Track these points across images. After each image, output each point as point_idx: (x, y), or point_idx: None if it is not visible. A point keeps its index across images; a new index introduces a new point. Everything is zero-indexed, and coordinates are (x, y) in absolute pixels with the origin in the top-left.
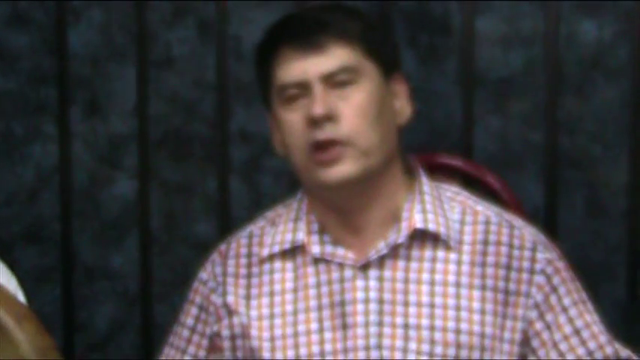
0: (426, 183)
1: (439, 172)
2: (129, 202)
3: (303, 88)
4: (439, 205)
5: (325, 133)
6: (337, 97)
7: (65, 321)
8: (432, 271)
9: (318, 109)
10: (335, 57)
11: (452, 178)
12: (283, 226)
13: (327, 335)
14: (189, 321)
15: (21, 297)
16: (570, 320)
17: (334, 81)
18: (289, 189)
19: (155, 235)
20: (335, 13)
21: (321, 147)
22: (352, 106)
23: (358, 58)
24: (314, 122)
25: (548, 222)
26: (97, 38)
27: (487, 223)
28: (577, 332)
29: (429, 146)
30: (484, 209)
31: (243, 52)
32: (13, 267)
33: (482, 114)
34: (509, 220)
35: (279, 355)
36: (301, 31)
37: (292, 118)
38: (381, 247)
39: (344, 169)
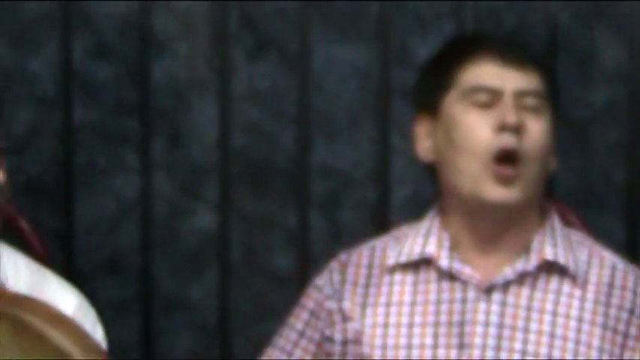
0: (557, 222)
1: None
2: (209, 234)
3: (495, 95)
4: (569, 243)
5: (512, 141)
6: (524, 117)
7: (144, 352)
8: (556, 302)
9: (513, 117)
10: (532, 79)
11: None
12: (412, 240)
13: (441, 352)
14: (299, 325)
15: (99, 331)
16: None
17: (523, 102)
18: (369, 224)
19: (234, 267)
20: (527, 42)
21: (502, 160)
22: (537, 129)
23: (545, 89)
24: (504, 129)
25: (629, 261)
26: (181, 71)
27: (614, 268)
28: None
29: None
30: (611, 255)
31: (325, 86)
32: (93, 297)
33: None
34: (635, 270)
35: None
36: (505, 45)
37: (476, 121)
38: (508, 272)
39: (514, 193)
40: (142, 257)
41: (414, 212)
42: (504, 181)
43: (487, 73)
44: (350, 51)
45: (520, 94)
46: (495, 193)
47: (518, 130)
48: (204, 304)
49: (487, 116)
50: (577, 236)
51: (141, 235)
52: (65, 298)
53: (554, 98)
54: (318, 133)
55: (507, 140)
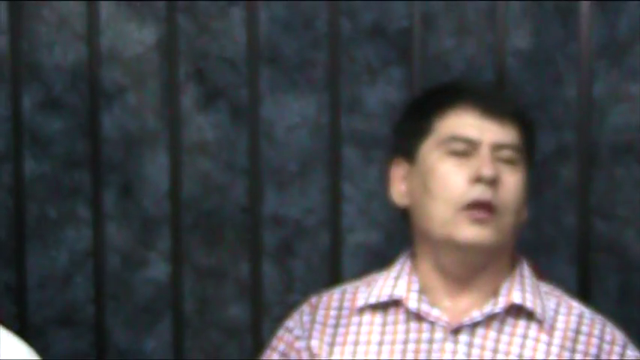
0: (527, 269)
1: None
2: (162, 286)
3: (472, 146)
4: (537, 290)
5: (487, 194)
6: (499, 169)
7: None
8: (522, 346)
9: (490, 170)
10: (509, 133)
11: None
12: (383, 282)
13: None
14: None
15: None
16: None
17: (499, 155)
18: (321, 272)
19: (188, 318)
20: (506, 93)
21: (476, 206)
22: (512, 182)
23: (522, 143)
24: (479, 181)
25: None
26: (131, 122)
27: (581, 316)
28: None
29: None
30: (579, 305)
31: (275, 136)
32: (47, 351)
33: None
34: (603, 319)
35: None
36: (484, 96)
37: (451, 170)
38: (476, 315)
39: (488, 233)
40: (95, 310)
41: (366, 259)
42: (478, 222)
43: (466, 123)
44: (299, 100)
45: (497, 147)
46: (469, 232)
47: (493, 182)
48: (158, 356)
49: (463, 166)
50: (546, 287)
51: (93, 287)
52: (15, 354)
53: (530, 151)
54: (269, 183)
55: (482, 192)
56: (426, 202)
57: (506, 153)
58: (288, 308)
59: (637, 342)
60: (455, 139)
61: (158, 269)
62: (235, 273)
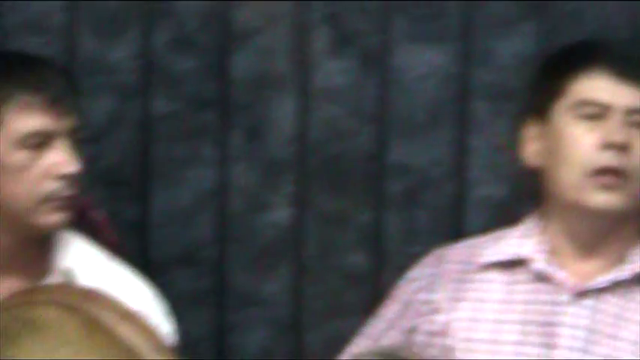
0: None
1: None
2: (284, 230)
3: (604, 110)
4: None
5: (616, 160)
6: (630, 134)
7: (216, 346)
8: None
9: (619, 137)
10: None
11: None
12: (509, 240)
13: (527, 350)
14: (389, 314)
15: (168, 325)
16: None
17: (632, 119)
18: (444, 224)
19: (308, 263)
20: None
21: (605, 172)
22: None
23: None
24: (608, 147)
25: None
26: (260, 64)
27: None
28: None
29: None
30: None
31: (404, 84)
32: (167, 289)
33: None
34: None
35: (474, 357)
36: (619, 58)
37: (582, 134)
38: (602, 280)
39: (616, 199)
40: (217, 250)
41: (490, 213)
42: (606, 188)
43: (599, 86)
44: (431, 50)
45: (630, 112)
46: (598, 199)
47: (623, 148)
48: (277, 300)
49: (594, 130)
50: None
51: (216, 228)
52: (135, 291)
53: None
54: (396, 132)
55: (611, 159)
56: (555, 164)
57: (639, 118)
58: (409, 258)
59: None
60: (586, 103)
61: (281, 213)
62: (358, 220)
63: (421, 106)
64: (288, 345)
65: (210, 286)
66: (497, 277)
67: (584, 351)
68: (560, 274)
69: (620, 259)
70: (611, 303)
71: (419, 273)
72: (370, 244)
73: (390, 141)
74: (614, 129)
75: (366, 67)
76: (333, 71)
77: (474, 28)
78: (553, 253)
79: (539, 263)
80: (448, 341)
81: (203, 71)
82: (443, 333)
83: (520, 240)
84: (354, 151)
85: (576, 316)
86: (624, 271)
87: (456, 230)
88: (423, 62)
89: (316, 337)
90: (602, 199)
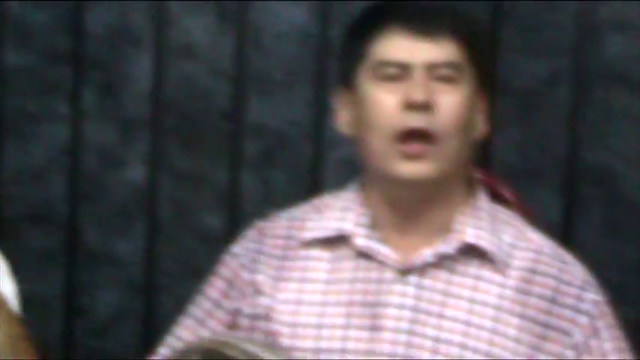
0: (483, 199)
1: None
2: (138, 189)
3: (405, 70)
4: (493, 224)
5: (420, 120)
6: (436, 90)
7: (66, 305)
8: (475, 288)
9: (420, 94)
10: (444, 49)
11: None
12: (331, 214)
13: (353, 333)
14: (214, 293)
15: (9, 285)
16: None
17: (436, 73)
18: (301, 185)
19: (163, 224)
20: (449, 8)
21: (409, 137)
22: (449, 103)
23: (463, 58)
24: (410, 107)
25: (563, 238)
26: (115, 19)
27: (539, 252)
28: None
29: None
30: (538, 238)
31: (262, 42)
32: (17, 247)
33: (503, 124)
34: (562, 255)
35: (299, 343)
36: (415, 15)
37: (384, 97)
38: (427, 254)
39: (424, 168)
40: (69, 208)
41: (348, 174)
42: (412, 157)
43: (396, 46)
44: (289, 8)
45: (431, 67)
46: (404, 168)
47: (427, 107)
48: (130, 260)
49: (395, 91)
50: (505, 214)
51: (69, 185)
52: None
53: (477, 64)
54: (253, 90)
55: (414, 120)
56: (364, 133)
57: (444, 71)
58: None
59: (620, 276)
60: (385, 63)
61: (135, 171)
62: (214, 180)
63: (279, 65)
64: (140, 306)
65: (61, 245)
66: (320, 254)
67: (411, 332)
68: (383, 250)
69: (446, 227)
70: (438, 278)
71: (241, 248)
72: (226, 205)
73: (247, 100)
74: (414, 87)
75: (223, 24)
76: (190, 28)
77: None
78: (375, 225)
79: (361, 239)
80: (272, 326)
81: (57, 25)
82: (266, 317)
83: (342, 213)
84: (211, 109)
85: (402, 294)
86: (450, 243)
87: (313, 191)
88: (281, 20)
89: (169, 299)
90: (408, 168)
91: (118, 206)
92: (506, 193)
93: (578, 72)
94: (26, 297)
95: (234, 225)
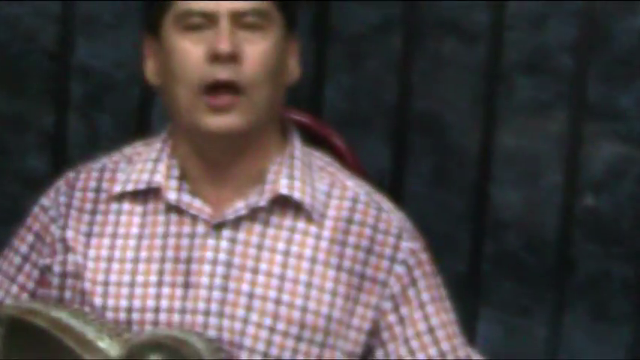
0: (298, 147)
1: None
2: None
3: (209, 19)
4: (308, 173)
5: (227, 72)
6: (243, 39)
7: None
8: (289, 241)
9: (226, 46)
10: None
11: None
12: (141, 165)
13: (166, 291)
14: (23, 248)
15: None
16: (426, 317)
17: (243, 22)
18: (129, 129)
19: None
20: None
21: (216, 89)
22: (257, 52)
23: (270, 5)
24: (216, 58)
25: (393, 187)
26: None
27: (355, 200)
28: (431, 330)
29: None
30: (354, 185)
31: None
32: None
33: (334, 71)
34: (378, 202)
35: (110, 302)
36: None
37: (189, 48)
38: (240, 207)
39: (232, 120)
40: None
41: None
42: (219, 110)
43: None
44: None
45: (237, 15)
46: (210, 122)
47: (233, 58)
48: None
49: (200, 42)
50: (322, 161)
51: None
52: None
53: (285, 9)
54: (81, 32)
55: (220, 72)
56: (170, 84)
57: (250, 19)
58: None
59: (449, 226)
60: (189, 13)
61: None
62: (38, 123)
63: (107, 6)
64: None
65: None
66: (132, 208)
67: (224, 289)
68: (195, 203)
69: (260, 177)
70: (252, 232)
71: (50, 201)
72: (50, 149)
73: (74, 41)
74: (219, 39)
75: None
76: None
77: None
78: (186, 177)
79: (172, 192)
80: (84, 284)
81: None
82: (77, 275)
83: (151, 164)
84: (36, 50)
85: (214, 249)
86: (263, 194)
87: (140, 135)
88: None
89: None
90: (215, 122)
91: None
92: (337, 141)
93: (409, 20)
94: None
95: (58, 169)
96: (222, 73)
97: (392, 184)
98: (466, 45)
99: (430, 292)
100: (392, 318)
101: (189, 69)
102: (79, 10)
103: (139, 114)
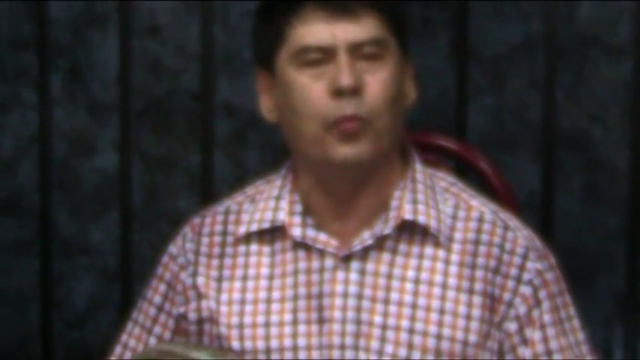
0: (419, 170)
1: (431, 152)
2: (110, 175)
3: (327, 53)
4: (432, 195)
5: (351, 107)
6: (362, 70)
7: (43, 297)
8: (418, 268)
9: (348, 81)
10: (366, 27)
11: (442, 162)
12: (264, 204)
13: (301, 329)
14: (157, 298)
15: None
16: (545, 340)
17: (361, 52)
18: (274, 165)
19: (136, 210)
20: None
21: (342, 120)
22: (377, 82)
23: (385, 31)
24: (339, 93)
25: (544, 207)
26: (79, 4)
27: (481, 220)
28: (549, 354)
29: (420, 124)
30: (479, 205)
31: (229, 21)
32: None
33: (476, 92)
34: (505, 220)
35: (248, 344)
36: None
37: (309, 84)
38: (366, 237)
39: (361, 148)
40: (41, 198)
41: None
42: (348, 138)
43: (316, 29)
44: None
45: (356, 47)
46: (341, 151)
47: (356, 92)
48: (105, 248)
49: (321, 76)
50: (445, 182)
51: (39, 174)
52: None
53: (399, 34)
54: (222, 71)
55: (345, 107)
56: (292, 119)
57: (368, 49)
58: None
59: (602, 244)
60: (306, 49)
61: (106, 157)
62: (185, 163)
63: (247, 43)
64: (117, 294)
65: (34, 236)
66: (259, 248)
67: (357, 322)
68: (321, 237)
69: (384, 206)
70: (380, 261)
71: (178, 249)
72: (199, 188)
73: (216, 80)
74: (341, 73)
75: (188, 3)
76: (155, 9)
77: None
78: (310, 212)
79: (296, 229)
80: (219, 329)
81: (21, 12)
82: (212, 320)
83: (274, 202)
84: (179, 91)
85: (344, 282)
86: (388, 222)
87: None
88: None
89: (144, 286)
90: (344, 150)
91: (90, 194)
92: (484, 164)
93: (551, 37)
94: (1, 290)
95: (208, 207)
96: (348, 109)
97: (543, 204)
98: (610, 59)
99: (553, 313)
100: (516, 339)
101: (313, 105)
102: (218, 48)
103: (285, 150)
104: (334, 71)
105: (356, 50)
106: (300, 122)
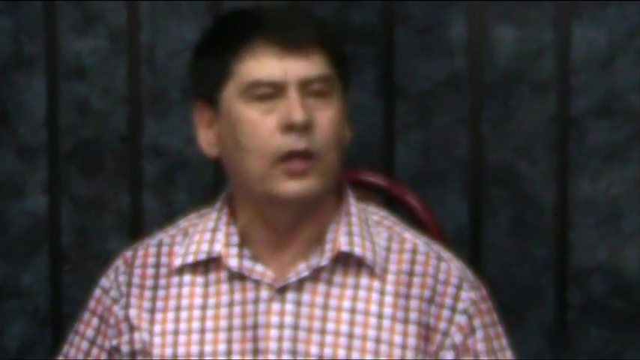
0: (353, 204)
1: (360, 189)
2: (39, 217)
3: (278, 89)
4: (366, 228)
5: (302, 142)
6: (312, 107)
7: None
8: (354, 298)
9: (300, 115)
10: (315, 64)
11: (372, 197)
12: (199, 236)
13: (236, 358)
14: (90, 332)
15: None
16: None
17: (310, 89)
18: (203, 205)
19: (66, 251)
20: (309, 18)
21: (292, 156)
22: (327, 119)
23: (332, 70)
24: (290, 128)
25: (472, 241)
26: (5, 47)
27: (414, 252)
28: None
29: (348, 161)
30: (412, 237)
31: (156, 62)
32: None
33: (403, 128)
34: (438, 252)
35: None
36: (282, 28)
37: (258, 118)
38: (302, 268)
39: (308, 184)
40: None
41: None
42: (295, 175)
43: (266, 65)
44: (181, 24)
45: (305, 83)
46: (287, 187)
47: (306, 127)
48: (35, 290)
49: (271, 111)
50: (377, 215)
51: None
52: None
53: (343, 73)
54: (149, 112)
55: (296, 142)
56: (237, 154)
57: (317, 86)
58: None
59: (532, 277)
60: (257, 84)
61: (35, 200)
62: (115, 204)
63: (174, 83)
64: (48, 337)
65: None
66: (193, 279)
67: (294, 352)
68: (257, 268)
69: (320, 239)
70: (316, 292)
71: (110, 282)
72: (128, 228)
73: (144, 121)
74: (292, 109)
75: (115, 45)
76: (81, 51)
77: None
78: (246, 244)
79: (232, 260)
80: None
81: None
82: (145, 352)
83: (210, 234)
84: (108, 132)
85: (280, 313)
86: (324, 254)
87: None
88: (173, 38)
89: None
90: (291, 186)
91: (20, 237)
92: (411, 199)
93: (476, 73)
94: None
95: None
96: (298, 144)
97: (472, 238)
98: (535, 94)
99: (487, 343)
100: None
101: (262, 140)
102: (145, 89)
103: (214, 189)
104: (285, 106)
105: (305, 87)
106: (246, 157)
